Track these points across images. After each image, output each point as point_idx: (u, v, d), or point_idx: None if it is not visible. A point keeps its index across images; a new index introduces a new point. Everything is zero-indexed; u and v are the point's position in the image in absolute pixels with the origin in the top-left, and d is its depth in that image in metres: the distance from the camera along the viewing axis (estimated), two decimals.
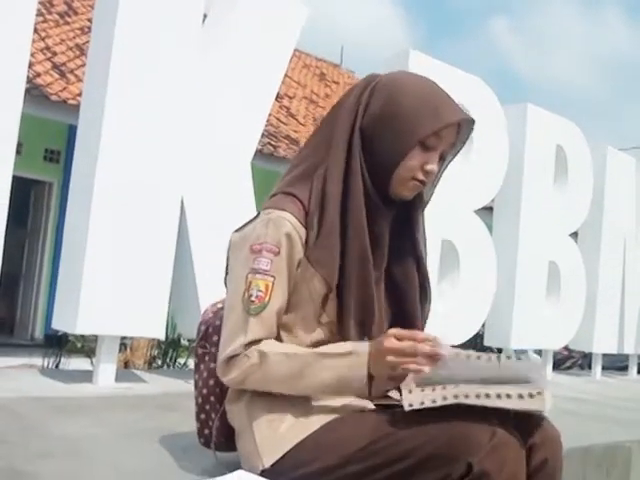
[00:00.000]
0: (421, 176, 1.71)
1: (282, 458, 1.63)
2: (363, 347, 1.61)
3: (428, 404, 1.53)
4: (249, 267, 1.65)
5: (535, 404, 1.50)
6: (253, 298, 1.63)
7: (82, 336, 6.66)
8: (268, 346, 1.64)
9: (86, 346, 6.73)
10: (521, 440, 1.54)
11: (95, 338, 3.62)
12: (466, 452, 1.47)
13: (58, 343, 6.87)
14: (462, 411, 1.51)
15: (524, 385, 1.51)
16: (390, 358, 1.56)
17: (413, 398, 1.54)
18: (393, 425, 1.57)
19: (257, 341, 1.64)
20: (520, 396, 1.49)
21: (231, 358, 1.64)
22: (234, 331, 1.65)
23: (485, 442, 1.47)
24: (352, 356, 1.61)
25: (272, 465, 1.63)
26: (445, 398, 1.52)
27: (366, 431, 1.58)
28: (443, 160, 1.78)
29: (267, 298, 1.64)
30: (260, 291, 1.63)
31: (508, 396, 1.49)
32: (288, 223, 1.65)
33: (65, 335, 7.23)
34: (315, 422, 1.64)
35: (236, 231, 1.77)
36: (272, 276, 1.64)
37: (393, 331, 1.59)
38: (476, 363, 1.57)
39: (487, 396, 1.50)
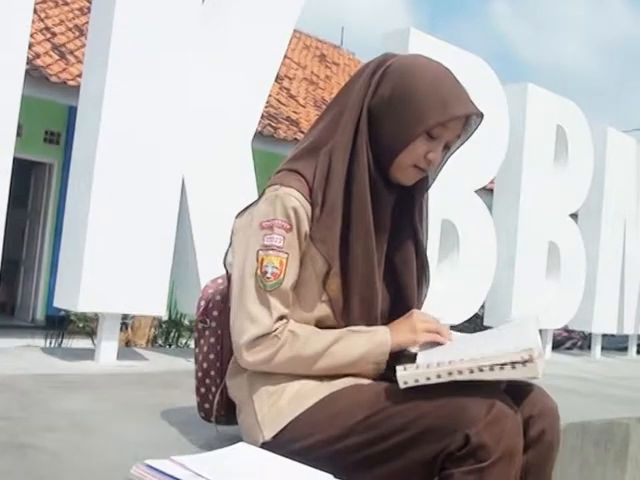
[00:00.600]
0: (423, 164, 1.71)
1: (283, 431, 1.65)
2: (383, 327, 1.70)
3: (422, 382, 1.54)
4: (260, 244, 1.65)
5: (529, 372, 1.51)
6: (269, 275, 1.63)
7: (83, 316, 6.71)
8: (296, 326, 1.66)
9: (87, 327, 6.78)
10: (519, 412, 1.55)
11: (96, 318, 3.64)
12: (464, 424, 1.48)
13: (60, 324, 6.91)
14: (459, 384, 1.53)
15: (515, 352, 1.52)
16: (419, 324, 1.70)
17: (408, 376, 1.56)
18: (391, 398, 1.58)
19: (282, 318, 1.65)
20: (513, 366, 1.50)
21: (259, 338, 1.64)
22: (254, 310, 1.64)
23: (483, 414, 1.48)
24: (375, 332, 1.68)
25: (273, 438, 1.65)
26: (439, 376, 1.53)
27: (365, 404, 1.60)
28: (447, 149, 1.78)
29: (282, 275, 1.64)
30: (275, 268, 1.64)
31: (501, 367, 1.50)
32: (295, 199, 1.66)
33: (67, 316, 7.28)
34: (315, 395, 1.66)
35: (239, 215, 1.78)
36: (286, 252, 1.64)
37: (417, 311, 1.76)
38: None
39: (480, 370, 1.50)
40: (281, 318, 1.65)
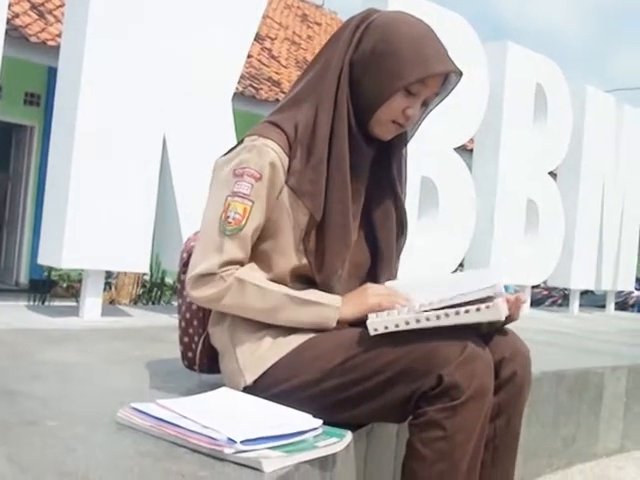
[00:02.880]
0: (401, 120, 1.74)
1: (263, 375, 1.70)
2: (336, 300, 1.71)
3: (392, 328, 1.59)
4: (229, 190, 1.69)
5: (492, 314, 1.56)
6: (230, 220, 1.68)
7: (67, 276, 6.73)
8: (246, 274, 1.70)
9: (71, 287, 6.81)
10: (490, 354, 1.61)
11: (80, 279, 3.68)
12: (437, 365, 1.54)
13: (43, 287, 6.92)
14: (432, 328, 1.58)
15: (479, 289, 1.57)
16: (371, 300, 1.70)
17: (378, 322, 1.61)
18: (367, 342, 1.63)
19: (232, 262, 1.69)
20: (477, 309, 1.55)
21: (204, 276, 1.69)
22: (208, 249, 1.70)
23: (456, 356, 1.54)
24: (325, 307, 1.71)
25: (254, 382, 1.71)
26: (407, 323, 1.58)
27: (341, 348, 1.65)
28: (426, 107, 1.81)
29: (244, 221, 1.68)
30: (238, 214, 1.68)
31: (467, 312, 1.55)
32: (272, 151, 1.69)
33: (49, 278, 7.29)
34: (294, 340, 1.71)
35: (220, 157, 1.82)
36: (251, 200, 1.68)
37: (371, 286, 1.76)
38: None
39: (447, 315, 1.56)
40: (233, 263, 1.69)
